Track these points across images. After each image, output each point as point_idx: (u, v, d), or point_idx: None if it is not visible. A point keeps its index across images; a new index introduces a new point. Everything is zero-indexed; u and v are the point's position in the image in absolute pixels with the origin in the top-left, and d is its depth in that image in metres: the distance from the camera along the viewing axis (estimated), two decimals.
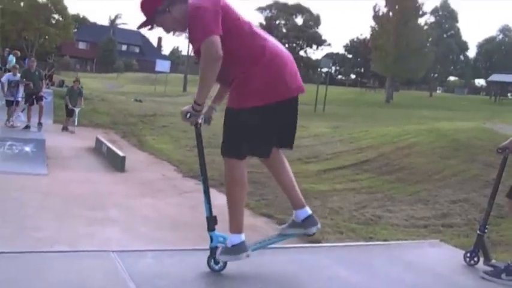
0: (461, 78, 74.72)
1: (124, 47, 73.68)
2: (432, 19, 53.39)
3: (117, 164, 11.53)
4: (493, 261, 3.84)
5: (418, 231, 7.95)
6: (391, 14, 41.84)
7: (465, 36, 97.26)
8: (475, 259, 3.84)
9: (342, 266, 3.43)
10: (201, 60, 2.67)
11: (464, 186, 10.29)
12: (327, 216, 8.25)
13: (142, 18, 2.88)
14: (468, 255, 3.88)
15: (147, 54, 71.71)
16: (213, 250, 2.97)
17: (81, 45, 68.95)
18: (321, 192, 10.07)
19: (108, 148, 12.60)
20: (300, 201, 3.17)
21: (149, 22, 2.87)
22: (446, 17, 58.86)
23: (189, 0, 2.79)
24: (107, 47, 65.22)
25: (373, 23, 43.95)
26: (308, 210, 3.18)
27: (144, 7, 2.85)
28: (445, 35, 58.14)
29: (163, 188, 10.16)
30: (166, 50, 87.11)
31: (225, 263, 2.97)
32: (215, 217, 2.99)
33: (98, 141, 13.80)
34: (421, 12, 43.27)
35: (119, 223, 7.37)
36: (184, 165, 12.29)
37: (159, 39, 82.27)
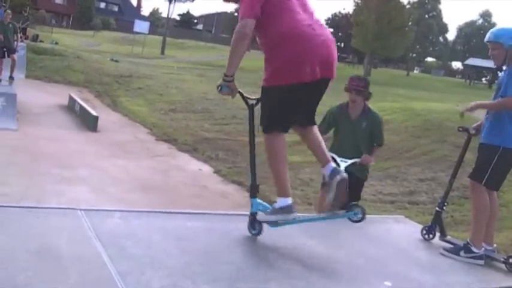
0: (439, 60, 75.37)
1: (102, 5, 71.71)
2: None
3: (89, 123, 11.37)
4: (448, 237, 3.98)
5: (384, 206, 8.12)
6: None
7: (446, 18, 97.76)
8: (432, 234, 3.98)
9: (307, 237, 3.49)
10: (233, 37, 2.97)
11: (432, 166, 10.50)
12: (297, 187, 8.34)
13: None
14: (425, 230, 4.02)
15: (126, 14, 70.00)
16: (252, 215, 3.21)
17: (58, 0, 66.80)
18: (293, 164, 10.12)
19: (81, 107, 12.40)
20: (327, 158, 3.29)
21: None
22: None
23: None
24: (85, 4, 63.30)
25: None
26: (332, 164, 3.27)
27: None
28: (426, 16, 58.26)
29: (135, 150, 10.09)
30: (145, 11, 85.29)
31: (261, 228, 3.21)
32: (258, 185, 3.23)
33: (71, 99, 13.55)
34: None
35: (88, 183, 7.32)
36: (158, 129, 12.21)
37: None
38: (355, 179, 4.55)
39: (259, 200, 3.25)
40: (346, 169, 4.42)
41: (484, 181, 3.63)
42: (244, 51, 3.01)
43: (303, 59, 3.01)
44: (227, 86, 3.04)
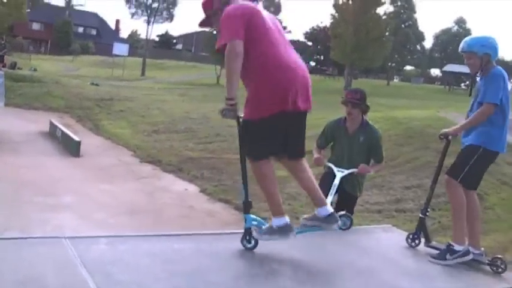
0: (418, 68, 76.39)
1: (80, 29, 71.45)
2: (391, 9, 54.21)
3: (72, 148, 11.27)
4: (433, 242, 4.01)
5: (372, 216, 8.14)
6: (350, 2, 42.17)
7: (422, 26, 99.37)
8: (417, 241, 3.99)
9: (295, 250, 3.48)
10: (225, 59, 2.98)
11: (417, 173, 10.58)
12: (284, 201, 8.29)
13: (202, 16, 3.34)
14: (410, 237, 4.04)
15: (105, 37, 69.82)
16: (246, 230, 3.26)
17: (35, 26, 66.35)
18: (280, 178, 10.08)
19: (63, 132, 12.29)
20: (321, 199, 3.37)
21: (208, 20, 3.32)
22: (405, 7, 59.73)
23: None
24: (63, 29, 63.04)
25: (333, 11, 44.26)
26: (329, 209, 3.37)
27: (204, 7, 3.30)
28: (403, 25, 59.14)
29: (119, 173, 10.01)
30: (124, 33, 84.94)
31: (256, 242, 3.25)
32: (250, 202, 3.26)
33: (51, 125, 13.43)
34: (380, 2, 43.84)
35: (73, 209, 7.22)
36: (141, 151, 12.14)
37: (117, 21, 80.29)
38: (348, 196, 4.58)
39: (252, 216, 3.27)
40: (339, 185, 4.46)
41: (459, 179, 3.68)
42: (239, 71, 3.00)
43: (287, 89, 3.07)
44: (232, 110, 3.04)
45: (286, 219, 3.22)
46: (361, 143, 4.58)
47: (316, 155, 4.71)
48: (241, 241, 3.29)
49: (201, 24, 3.43)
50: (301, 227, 3.46)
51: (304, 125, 3.30)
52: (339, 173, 4.43)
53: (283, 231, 3.19)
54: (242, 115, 3.17)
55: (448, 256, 3.69)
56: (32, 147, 11.46)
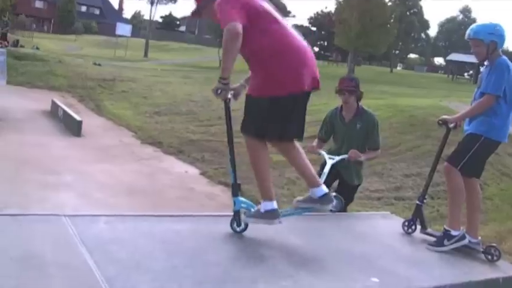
0: (422, 56, 76.06)
1: (84, 8, 71.08)
2: None
3: (73, 128, 11.26)
4: (429, 229, 4.03)
5: (371, 203, 8.17)
6: None
7: (427, 14, 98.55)
8: (413, 227, 4.02)
9: (293, 235, 3.50)
10: (223, 40, 2.96)
11: (418, 161, 10.59)
12: (284, 186, 8.35)
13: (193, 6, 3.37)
14: (406, 223, 4.07)
15: (108, 17, 69.46)
16: (235, 213, 3.27)
17: (38, 4, 66.01)
18: (280, 163, 10.08)
19: (64, 112, 12.27)
20: (316, 180, 3.37)
21: (197, 12, 3.34)
22: None
23: None
24: (66, 7, 62.70)
25: None
26: (324, 189, 3.36)
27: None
28: (408, 12, 58.72)
29: (120, 154, 10.01)
30: (127, 14, 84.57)
31: (246, 225, 3.26)
32: (239, 184, 3.28)
33: (53, 104, 13.41)
34: None
35: (73, 188, 7.24)
36: (143, 132, 12.14)
37: (120, 1, 79.95)
38: (346, 184, 4.59)
39: (241, 198, 3.28)
40: (338, 174, 4.47)
41: (459, 166, 3.68)
42: (237, 52, 3.00)
43: (302, 69, 3.10)
44: (225, 89, 3.06)
45: (275, 205, 3.23)
46: (358, 130, 4.59)
47: (311, 145, 4.72)
48: (231, 224, 3.29)
49: (193, 14, 3.46)
50: (294, 209, 3.46)
51: (306, 105, 3.28)
52: (330, 160, 4.47)
53: (270, 216, 3.19)
54: (229, 97, 3.17)
55: (445, 242, 3.71)
56: (33, 126, 11.45)
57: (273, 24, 3.12)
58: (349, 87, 4.58)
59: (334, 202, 3.45)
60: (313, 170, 3.37)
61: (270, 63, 3.08)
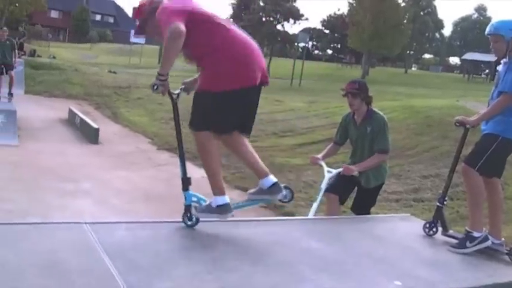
0: (436, 56, 75.41)
1: (98, 17, 71.90)
2: None
3: (90, 135, 11.37)
4: (451, 231, 3.97)
5: (390, 205, 8.09)
6: None
7: (441, 14, 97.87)
8: (434, 229, 3.97)
9: (313, 239, 3.48)
10: (165, 39, 2.95)
11: (436, 162, 10.48)
12: (301, 190, 8.32)
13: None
14: (427, 225, 4.01)
15: (122, 25, 70.09)
16: (186, 208, 3.26)
17: (53, 14, 66.88)
18: (296, 166, 10.14)
19: (82, 119, 12.40)
20: (264, 171, 3.36)
21: (141, 29, 3.36)
22: None
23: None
24: (80, 17, 63.47)
25: None
26: (272, 179, 3.36)
27: (135, 17, 3.38)
28: (421, 13, 58.34)
29: (137, 160, 10.08)
30: None
31: (197, 220, 3.27)
32: (189, 178, 3.27)
33: (70, 112, 13.56)
34: None
35: (91, 195, 7.31)
36: (159, 138, 12.20)
37: (134, 9, 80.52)
38: (364, 190, 4.57)
39: (192, 192, 3.29)
40: (355, 180, 4.46)
41: (477, 167, 3.61)
42: (179, 51, 3.02)
43: (251, 63, 3.13)
44: (162, 85, 3.07)
45: (227, 199, 3.25)
46: (369, 133, 4.54)
47: (313, 155, 4.78)
48: (182, 218, 3.29)
49: (136, 33, 3.51)
50: (245, 202, 3.48)
51: (258, 101, 3.30)
52: (327, 174, 4.49)
53: (222, 210, 3.21)
54: (175, 91, 3.25)
55: (468, 244, 3.66)
56: (51, 134, 11.59)
57: (218, 24, 3.15)
58: (352, 90, 4.55)
59: (284, 192, 3.42)
60: (261, 163, 3.37)
61: (218, 60, 3.09)
